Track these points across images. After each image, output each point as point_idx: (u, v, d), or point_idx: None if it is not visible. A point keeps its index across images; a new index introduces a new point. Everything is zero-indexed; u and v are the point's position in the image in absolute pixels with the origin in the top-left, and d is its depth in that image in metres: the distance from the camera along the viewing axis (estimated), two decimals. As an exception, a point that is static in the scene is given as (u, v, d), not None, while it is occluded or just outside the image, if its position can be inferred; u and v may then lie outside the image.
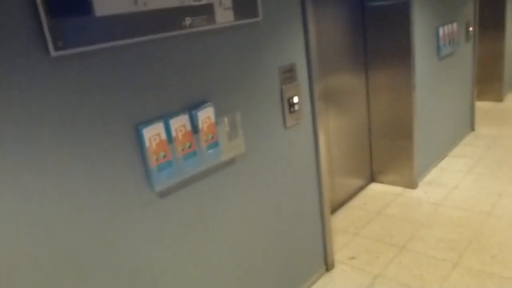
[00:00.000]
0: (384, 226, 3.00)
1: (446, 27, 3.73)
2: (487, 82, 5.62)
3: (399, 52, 3.22)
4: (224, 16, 1.74)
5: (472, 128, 4.65)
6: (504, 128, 4.66)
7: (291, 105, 2.14)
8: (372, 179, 3.70)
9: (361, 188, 3.59)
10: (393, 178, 3.58)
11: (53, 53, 1.25)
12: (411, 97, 3.27)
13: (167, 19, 1.54)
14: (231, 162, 1.88)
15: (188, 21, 1.60)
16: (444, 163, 3.94)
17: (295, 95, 2.16)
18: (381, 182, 3.65)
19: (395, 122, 3.41)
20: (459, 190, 3.38)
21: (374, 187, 3.62)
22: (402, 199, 3.34)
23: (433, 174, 3.74)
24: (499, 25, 5.39)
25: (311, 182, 2.36)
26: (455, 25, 3.92)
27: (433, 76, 3.64)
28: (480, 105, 5.50)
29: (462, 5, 4.09)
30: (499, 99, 5.67)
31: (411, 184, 3.48)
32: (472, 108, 4.60)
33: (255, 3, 1.87)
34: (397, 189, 3.52)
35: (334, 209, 3.27)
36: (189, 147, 1.67)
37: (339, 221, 3.15)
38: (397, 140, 3.45)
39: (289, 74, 2.12)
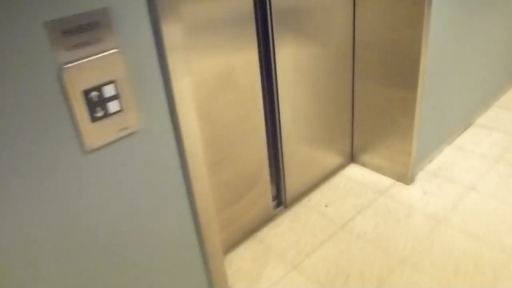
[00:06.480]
0: (343, 256, 1.91)
1: None
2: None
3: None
4: None
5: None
6: None
7: (97, 103, 0.98)
8: (352, 159, 2.54)
9: (333, 173, 2.45)
10: (378, 163, 2.40)
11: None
12: (421, 26, 1.95)
13: None
14: None
15: None
16: (464, 137, 2.70)
17: (109, 80, 0.99)
18: (363, 165, 2.49)
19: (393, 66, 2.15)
20: (477, 194, 2.20)
21: (352, 173, 2.47)
22: (384, 202, 2.21)
23: (444, 157, 2.53)
24: None
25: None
26: None
27: None
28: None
29: None
30: None
31: (405, 177, 2.31)
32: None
33: None
34: (384, 182, 2.36)
35: (281, 203, 2.19)
36: None
37: (281, 234, 2.06)
38: (391, 97, 2.21)
39: (84, 31, 0.93)
